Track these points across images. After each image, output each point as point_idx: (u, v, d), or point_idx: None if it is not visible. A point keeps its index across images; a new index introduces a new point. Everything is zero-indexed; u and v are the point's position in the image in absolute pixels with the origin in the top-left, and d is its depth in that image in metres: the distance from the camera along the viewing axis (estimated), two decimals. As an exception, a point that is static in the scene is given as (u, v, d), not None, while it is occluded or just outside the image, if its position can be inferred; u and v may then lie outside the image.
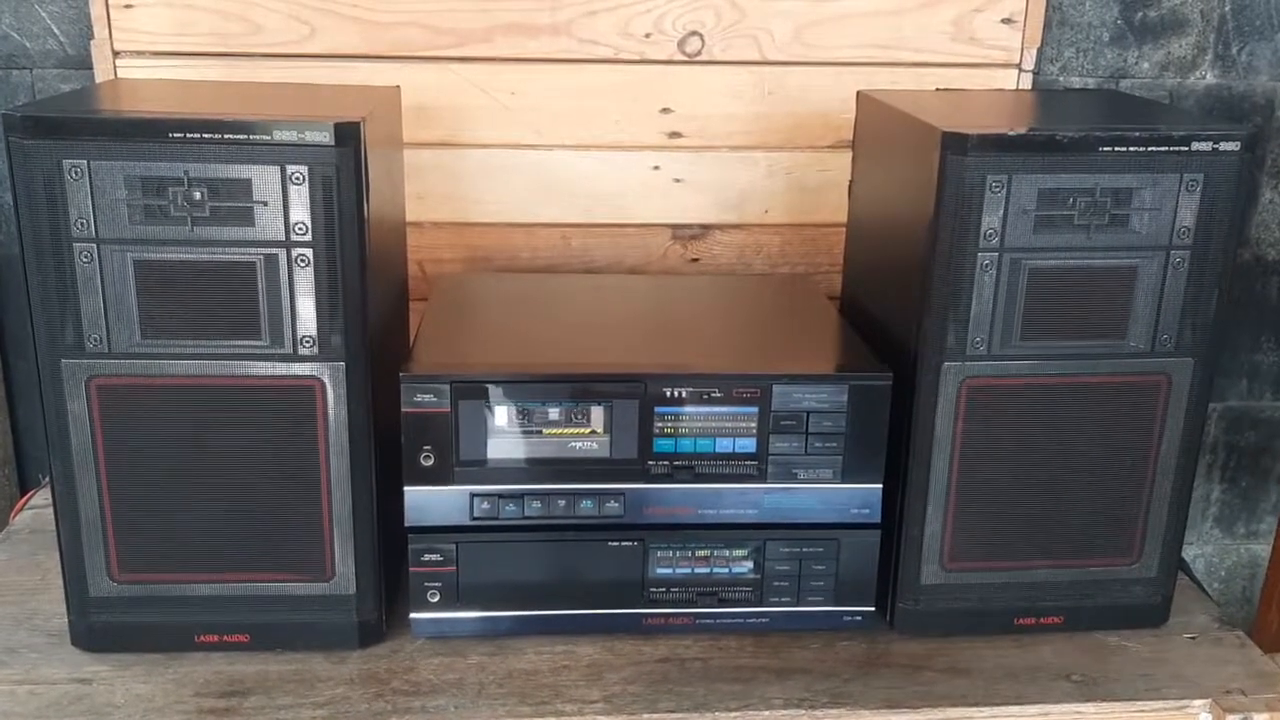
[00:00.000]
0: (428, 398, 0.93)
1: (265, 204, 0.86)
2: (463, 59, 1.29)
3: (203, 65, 1.26)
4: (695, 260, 1.39)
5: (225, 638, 0.95)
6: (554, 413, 0.95)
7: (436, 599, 0.98)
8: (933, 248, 0.91)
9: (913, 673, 0.97)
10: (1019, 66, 1.33)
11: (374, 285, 0.91)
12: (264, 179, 0.85)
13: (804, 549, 1.00)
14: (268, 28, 1.25)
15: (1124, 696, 0.95)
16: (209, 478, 0.91)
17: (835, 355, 1.07)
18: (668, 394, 0.95)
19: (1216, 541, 1.65)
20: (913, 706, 0.93)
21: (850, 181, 1.20)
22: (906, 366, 0.96)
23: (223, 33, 1.25)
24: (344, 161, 0.86)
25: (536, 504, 0.96)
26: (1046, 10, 1.33)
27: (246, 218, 0.86)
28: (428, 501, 0.96)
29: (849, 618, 1.02)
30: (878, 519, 0.99)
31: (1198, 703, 0.95)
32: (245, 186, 0.85)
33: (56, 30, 1.30)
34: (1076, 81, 1.40)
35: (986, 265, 0.91)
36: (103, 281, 0.86)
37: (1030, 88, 1.34)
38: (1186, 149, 0.90)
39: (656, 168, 1.35)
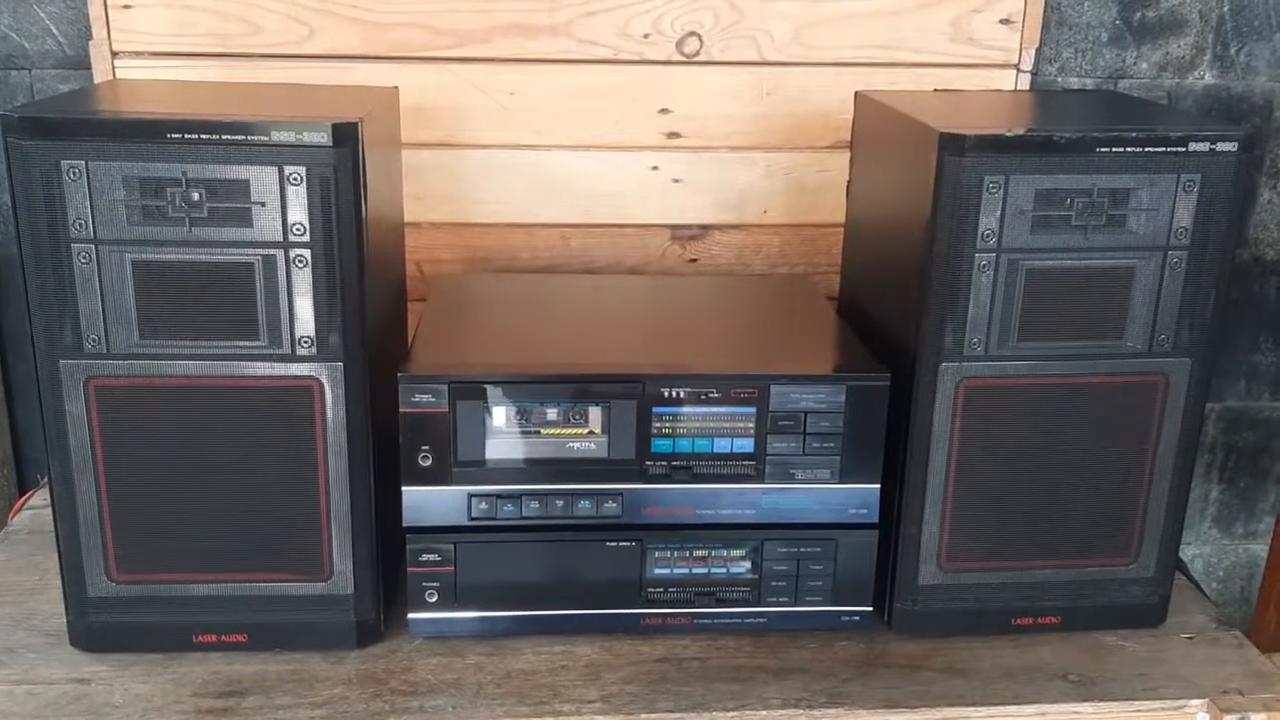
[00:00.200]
0: (426, 398, 0.93)
1: (263, 205, 0.86)
2: (462, 59, 1.29)
3: (201, 66, 1.26)
4: (694, 261, 1.39)
5: (223, 638, 0.95)
6: (552, 413, 0.95)
7: (434, 599, 0.98)
8: (930, 248, 0.91)
9: (910, 673, 0.97)
10: (1017, 67, 1.33)
11: (372, 286, 0.91)
12: (262, 180, 0.85)
13: (802, 549, 1.00)
14: (266, 28, 1.25)
15: (1121, 696, 0.95)
16: (207, 478, 0.91)
17: (833, 356, 1.07)
18: (666, 394, 0.95)
19: (1214, 541, 1.65)
20: (910, 706, 0.93)
21: (848, 182, 1.20)
22: (904, 367, 0.96)
23: (221, 33, 1.25)
24: (342, 162, 0.86)
25: (534, 504, 0.96)
26: (1045, 11, 1.33)
27: (244, 218, 0.86)
28: (426, 501, 0.96)
29: (847, 618, 1.02)
30: (875, 519, 0.99)
31: (1195, 703, 0.95)
32: (243, 187, 0.85)
33: (55, 31, 1.30)
34: (1075, 82, 1.40)
35: (984, 266, 0.91)
36: (101, 282, 0.86)
37: (1028, 88, 1.34)
38: (1184, 149, 0.90)
39: (655, 168, 1.35)
